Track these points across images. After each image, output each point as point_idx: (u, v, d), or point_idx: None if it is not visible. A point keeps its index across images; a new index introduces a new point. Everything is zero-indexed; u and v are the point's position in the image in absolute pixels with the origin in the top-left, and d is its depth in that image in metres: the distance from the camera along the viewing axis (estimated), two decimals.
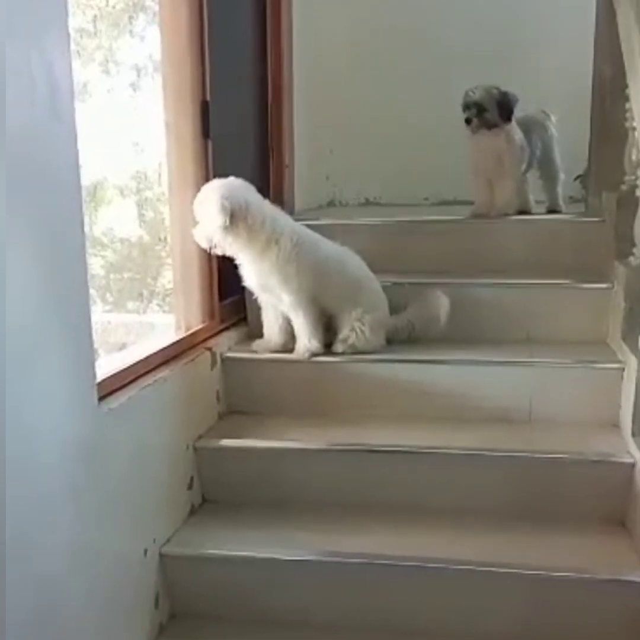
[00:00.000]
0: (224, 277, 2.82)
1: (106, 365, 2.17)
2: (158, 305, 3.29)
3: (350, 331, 2.77)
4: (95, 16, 3.12)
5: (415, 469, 2.47)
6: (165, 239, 2.78)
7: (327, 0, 4.11)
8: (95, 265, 3.31)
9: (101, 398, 1.99)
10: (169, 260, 2.80)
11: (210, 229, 2.56)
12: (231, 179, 2.61)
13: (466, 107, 3.14)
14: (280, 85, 3.51)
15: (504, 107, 3.12)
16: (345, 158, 4.26)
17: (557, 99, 3.56)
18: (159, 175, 2.79)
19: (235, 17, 3.14)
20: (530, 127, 3.27)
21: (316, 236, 2.80)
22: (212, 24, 2.69)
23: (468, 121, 3.14)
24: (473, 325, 2.88)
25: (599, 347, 2.80)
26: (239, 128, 3.22)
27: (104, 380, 2.04)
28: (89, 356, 1.91)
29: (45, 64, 1.67)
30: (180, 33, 2.61)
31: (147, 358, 2.35)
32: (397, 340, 2.86)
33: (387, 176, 4.25)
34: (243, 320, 3.06)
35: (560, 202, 3.41)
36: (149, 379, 2.27)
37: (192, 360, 2.56)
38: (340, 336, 2.79)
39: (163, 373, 2.35)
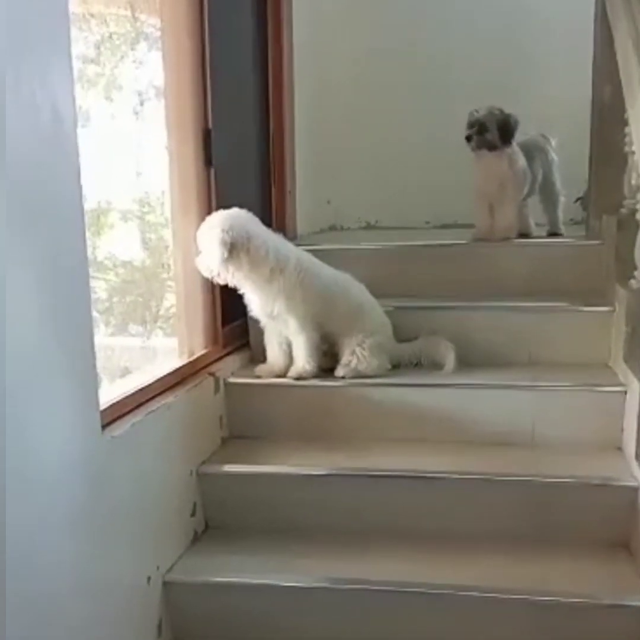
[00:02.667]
0: (226, 302, 2.83)
1: (110, 392, 2.18)
2: (160, 328, 3.29)
3: (351, 355, 2.78)
4: (97, 44, 3.15)
5: (417, 493, 2.46)
6: (169, 265, 2.79)
7: (330, 26, 4.14)
8: (99, 288, 3.31)
9: (105, 425, 2.00)
10: (172, 284, 2.81)
11: (211, 260, 2.58)
12: (234, 210, 2.63)
13: (469, 125, 3.16)
14: (281, 111, 3.54)
15: (505, 128, 3.13)
16: (347, 182, 4.28)
17: (557, 122, 3.58)
18: (162, 203, 2.81)
19: (237, 45, 3.17)
20: (532, 151, 3.28)
21: (318, 262, 2.82)
22: (214, 52, 2.71)
23: (468, 139, 3.16)
24: (475, 349, 2.88)
25: (601, 370, 2.80)
26: (241, 154, 3.25)
27: (107, 408, 2.04)
28: (93, 383, 1.92)
29: (49, 92, 1.69)
30: (182, 62, 2.64)
31: (150, 384, 2.36)
32: (403, 366, 2.87)
33: (388, 200, 4.26)
34: (246, 345, 3.06)
35: (561, 225, 3.42)
36: (152, 405, 2.28)
37: (196, 386, 2.56)
38: (343, 360, 2.80)
39: (167, 399, 2.36)
